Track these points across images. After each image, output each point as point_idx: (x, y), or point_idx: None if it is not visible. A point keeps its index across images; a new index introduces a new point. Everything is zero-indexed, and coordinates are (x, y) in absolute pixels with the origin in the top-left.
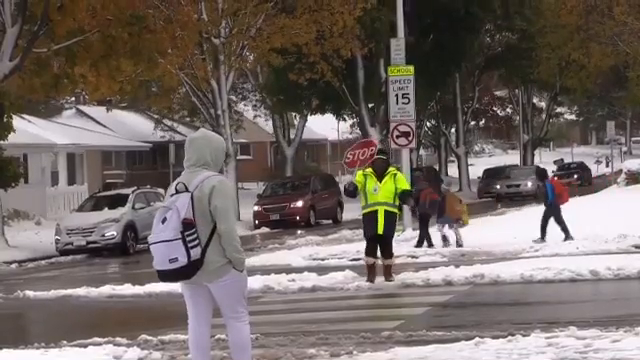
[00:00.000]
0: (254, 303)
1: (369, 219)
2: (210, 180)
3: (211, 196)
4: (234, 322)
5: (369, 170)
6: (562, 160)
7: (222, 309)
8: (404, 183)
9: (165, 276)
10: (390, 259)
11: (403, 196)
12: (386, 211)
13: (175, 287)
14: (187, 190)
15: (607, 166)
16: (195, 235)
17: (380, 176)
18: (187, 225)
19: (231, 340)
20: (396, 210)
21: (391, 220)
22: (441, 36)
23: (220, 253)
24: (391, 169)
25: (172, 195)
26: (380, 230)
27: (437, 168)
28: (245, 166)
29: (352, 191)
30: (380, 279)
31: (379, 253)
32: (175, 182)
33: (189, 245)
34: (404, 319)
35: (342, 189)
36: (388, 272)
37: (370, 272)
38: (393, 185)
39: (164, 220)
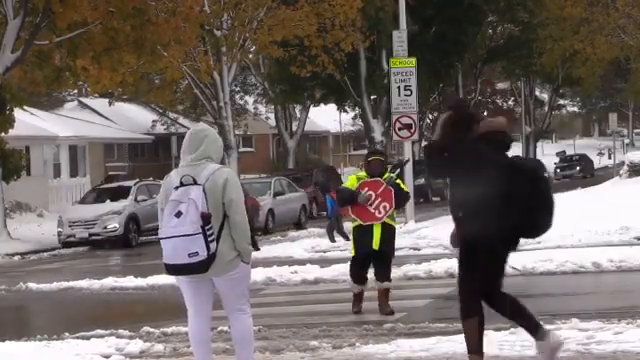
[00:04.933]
0: (256, 295)
1: (363, 232)
2: (221, 173)
3: (225, 189)
4: (238, 314)
5: (363, 174)
6: (564, 152)
7: (226, 302)
8: (403, 186)
9: (179, 270)
10: (388, 282)
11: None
12: (383, 223)
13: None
14: (196, 183)
15: (609, 158)
16: (212, 229)
17: None
18: (206, 219)
19: (234, 333)
20: (395, 223)
21: (390, 234)
22: (443, 28)
23: (230, 246)
24: (389, 173)
25: (176, 188)
26: (376, 245)
27: None
28: (247, 158)
29: (347, 198)
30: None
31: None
32: (176, 174)
33: (209, 239)
34: (406, 311)
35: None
36: (386, 299)
37: (357, 300)
38: None
39: (178, 214)
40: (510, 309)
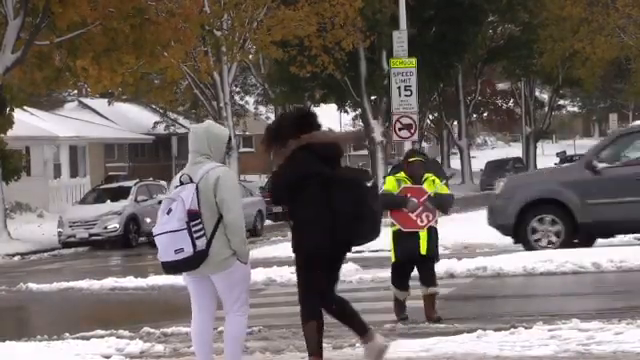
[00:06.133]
0: (256, 295)
1: (407, 237)
2: (215, 171)
3: (216, 187)
4: (234, 315)
5: (402, 175)
6: (565, 153)
7: (224, 301)
8: (445, 189)
9: (170, 267)
10: (434, 286)
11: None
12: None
13: (178, 280)
14: (192, 181)
15: None
16: (201, 225)
17: (417, 183)
18: (192, 215)
19: (227, 331)
20: (436, 224)
21: (436, 237)
22: (443, 28)
23: (225, 245)
24: (428, 175)
25: (176, 187)
26: (424, 250)
27: (439, 160)
28: (247, 159)
29: (393, 203)
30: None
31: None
32: (179, 174)
33: (195, 235)
34: (406, 311)
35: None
36: (433, 305)
37: (401, 308)
38: None
39: (169, 211)
40: (338, 311)
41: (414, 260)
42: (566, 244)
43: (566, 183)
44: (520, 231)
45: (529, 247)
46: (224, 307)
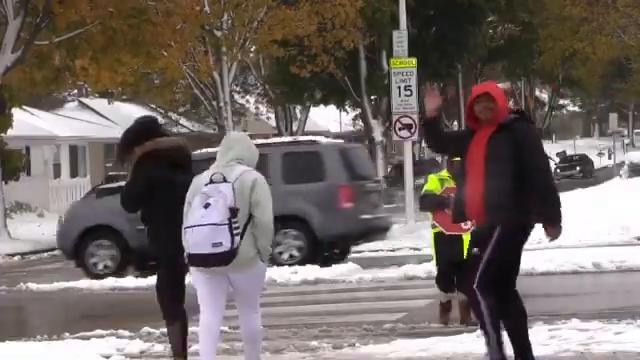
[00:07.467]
0: None
1: (449, 240)
2: (250, 174)
3: (253, 189)
4: (250, 313)
5: (445, 174)
6: (564, 152)
7: (241, 299)
8: None
9: (201, 260)
10: None
11: None
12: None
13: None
14: (226, 181)
15: (609, 158)
16: (238, 223)
17: None
18: (233, 212)
19: (244, 331)
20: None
21: None
22: (443, 28)
23: (251, 244)
24: None
25: (206, 184)
26: (468, 255)
27: (439, 160)
28: None
29: (436, 203)
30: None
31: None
32: (208, 172)
33: (234, 232)
34: (406, 311)
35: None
36: (468, 309)
37: (446, 310)
38: None
39: (207, 205)
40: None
41: (454, 264)
42: (120, 267)
43: (121, 211)
44: (79, 254)
45: (87, 270)
46: (238, 305)
